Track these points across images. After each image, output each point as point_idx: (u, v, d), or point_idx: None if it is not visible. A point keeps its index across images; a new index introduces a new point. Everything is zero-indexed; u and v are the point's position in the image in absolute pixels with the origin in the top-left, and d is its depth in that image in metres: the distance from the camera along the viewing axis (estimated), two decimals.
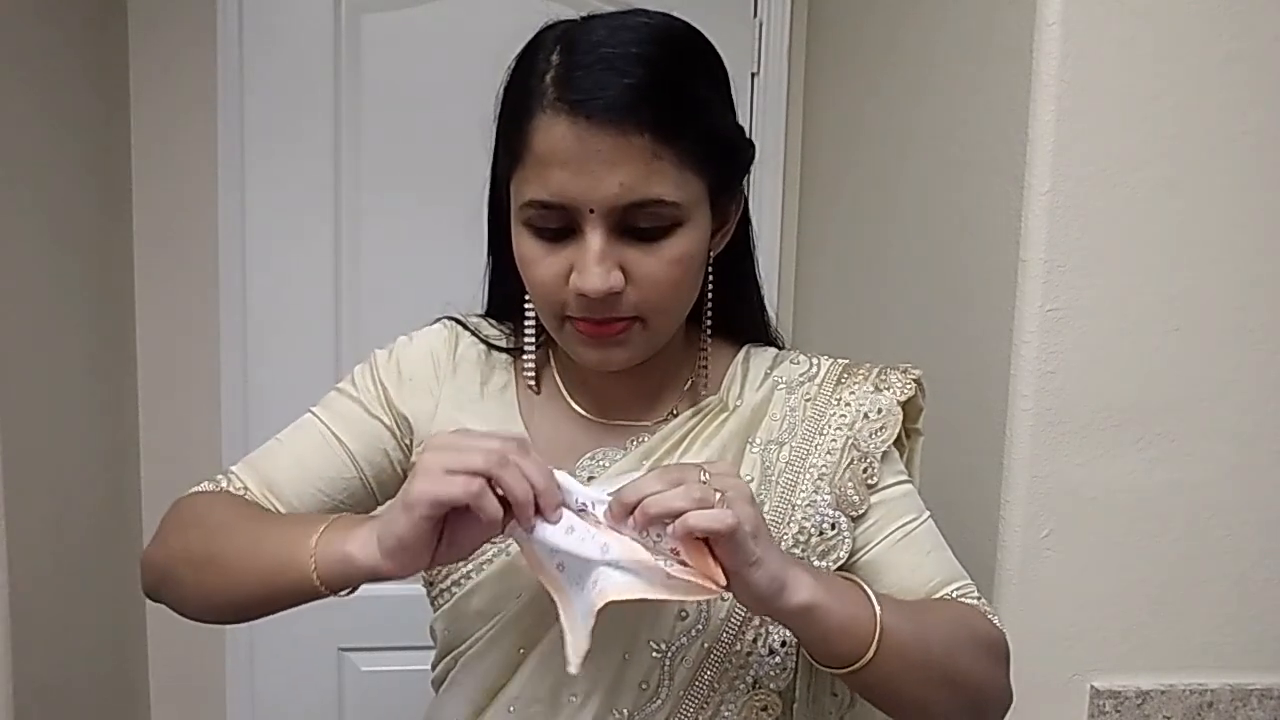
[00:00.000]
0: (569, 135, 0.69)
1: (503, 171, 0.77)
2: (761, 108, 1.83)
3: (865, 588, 0.73)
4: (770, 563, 0.65)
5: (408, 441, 0.86)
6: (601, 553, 0.64)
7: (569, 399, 0.85)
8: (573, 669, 0.64)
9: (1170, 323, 1.06)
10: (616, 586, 0.64)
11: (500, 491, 0.63)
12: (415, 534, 0.63)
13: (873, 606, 0.71)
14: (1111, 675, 1.10)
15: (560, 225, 0.72)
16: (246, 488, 0.83)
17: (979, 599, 0.83)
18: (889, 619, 0.70)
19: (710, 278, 0.82)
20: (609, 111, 0.68)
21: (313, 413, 0.87)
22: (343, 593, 0.70)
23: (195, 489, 0.85)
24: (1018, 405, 1.06)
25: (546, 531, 0.65)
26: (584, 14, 0.76)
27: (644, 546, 0.65)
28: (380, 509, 0.83)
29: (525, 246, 0.75)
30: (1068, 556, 1.08)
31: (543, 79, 0.71)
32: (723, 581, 0.64)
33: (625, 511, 0.65)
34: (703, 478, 0.65)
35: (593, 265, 0.71)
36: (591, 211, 0.70)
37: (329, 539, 0.68)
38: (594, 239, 0.71)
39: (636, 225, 0.71)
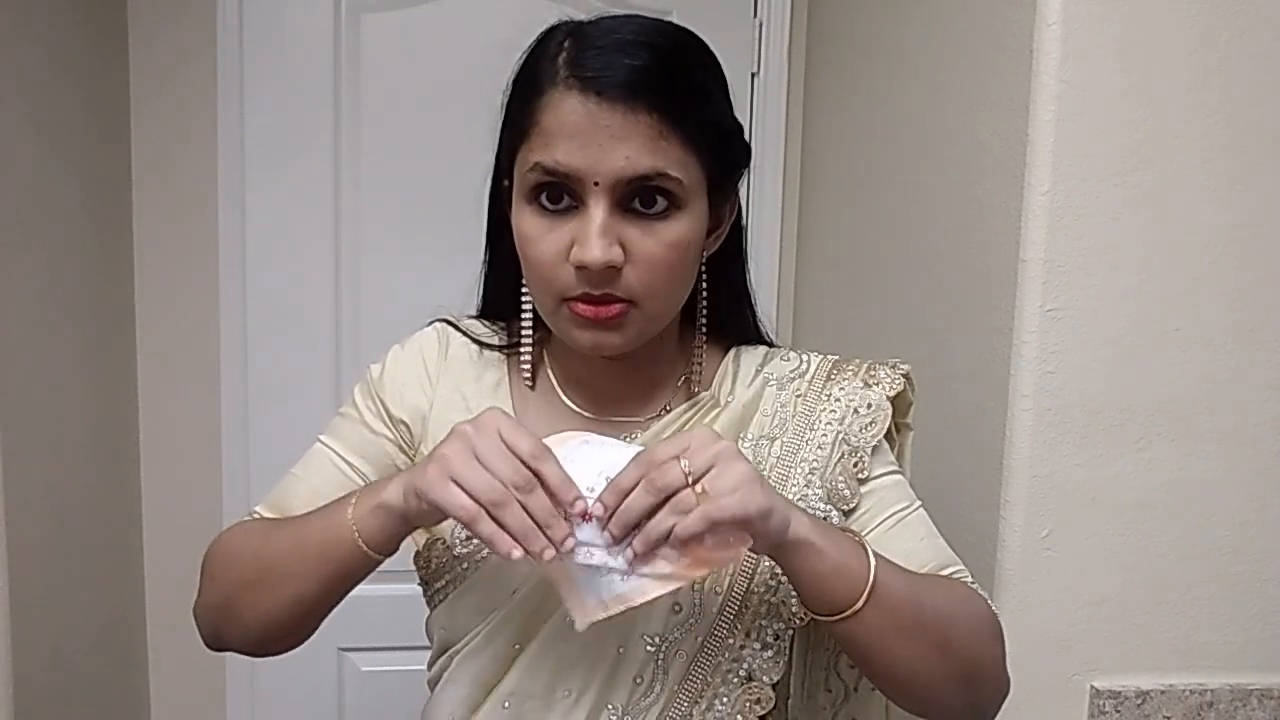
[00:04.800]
0: (579, 110, 0.70)
1: (508, 151, 0.78)
2: (761, 108, 1.83)
3: (865, 543, 0.73)
4: (779, 507, 0.68)
5: (411, 450, 0.87)
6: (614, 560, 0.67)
7: (563, 395, 0.86)
8: (579, 627, 0.67)
9: (1170, 323, 1.06)
10: (631, 591, 0.67)
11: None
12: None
13: (867, 555, 0.71)
14: (1111, 675, 1.10)
15: (563, 200, 0.73)
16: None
17: (974, 583, 0.83)
18: (883, 570, 0.71)
19: (704, 280, 0.83)
20: (618, 88, 0.70)
21: (321, 441, 0.88)
22: (387, 555, 0.74)
23: (224, 531, 0.86)
24: (1018, 405, 1.06)
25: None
26: (591, 16, 0.78)
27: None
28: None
29: (526, 224, 0.75)
30: (1068, 556, 1.08)
31: (554, 60, 0.73)
32: (743, 553, 0.68)
33: (624, 532, 0.67)
34: (684, 466, 0.66)
35: (595, 237, 0.71)
36: (596, 184, 0.71)
37: (363, 503, 0.73)
38: (597, 211, 0.72)
39: (638, 203, 0.73)
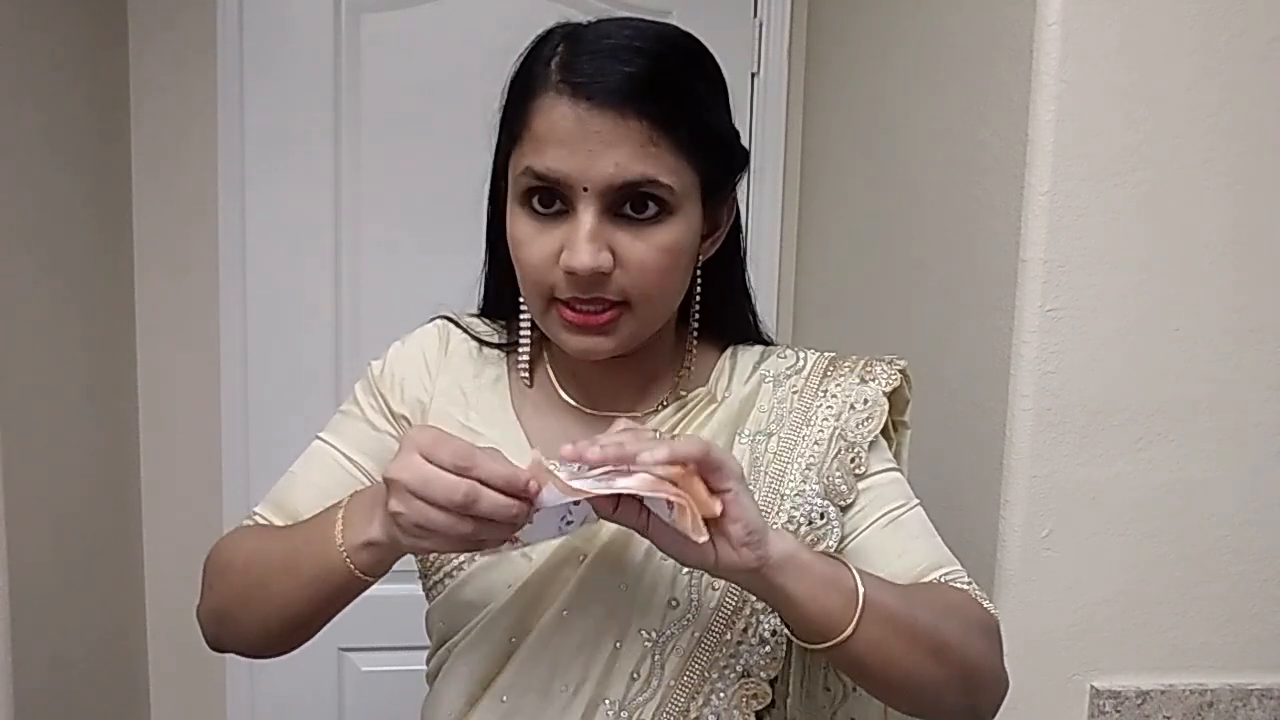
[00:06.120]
0: (569, 115, 0.71)
1: (502, 153, 0.78)
2: (761, 108, 1.83)
3: (846, 562, 0.72)
4: (750, 504, 0.66)
5: None
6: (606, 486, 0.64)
7: (560, 390, 0.86)
8: (526, 541, 0.65)
9: (1170, 323, 1.06)
10: (624, 485, 0.63)
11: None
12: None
13: (853, 576, 0.70)
14: (1111, 675, 1.10)
15: (554, 205, 0.74)
16: (271, 524, 0.85)
17: (970, 583, 0.82)
18: (871, 588, 0.70)
19: (699, 283, 0.83)
20: (609, 95, 0.70)
21: (321, 438, 0.88)
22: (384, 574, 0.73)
23: (224, 535, 0.86)
24: (1017, 405, 1.06)
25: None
26: (590, 18, 0.77)
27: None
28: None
29: (518, 227, 0.76)
30: (1068, 556, 1.08)
31: (547, 65, 0.73)
32: (717, 510, 0.64)
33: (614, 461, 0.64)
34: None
35: (583, 243, 0.72)
36: (585, 190, 0.72)
37: (351, 533, 0.71)
38: (586, 217, 0.72)
39: (629, 209, 0.73)
